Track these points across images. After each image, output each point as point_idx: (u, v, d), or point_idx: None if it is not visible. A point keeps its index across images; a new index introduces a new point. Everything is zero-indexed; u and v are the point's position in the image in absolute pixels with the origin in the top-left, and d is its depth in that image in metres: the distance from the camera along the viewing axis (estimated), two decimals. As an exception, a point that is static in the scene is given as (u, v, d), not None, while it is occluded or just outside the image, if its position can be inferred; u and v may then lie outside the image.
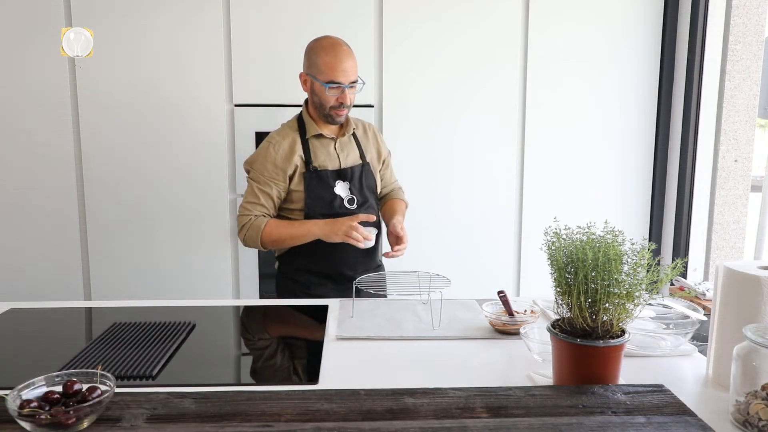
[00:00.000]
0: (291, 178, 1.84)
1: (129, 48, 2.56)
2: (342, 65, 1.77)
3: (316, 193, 1.84)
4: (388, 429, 0.86)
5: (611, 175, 2.80)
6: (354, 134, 1.96)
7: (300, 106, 2.61)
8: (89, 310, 1.65)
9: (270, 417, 0.90)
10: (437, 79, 2.66)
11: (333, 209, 1.85)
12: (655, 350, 1.25)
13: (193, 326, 1.44)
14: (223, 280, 2.71)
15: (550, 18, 2.66)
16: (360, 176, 1.91)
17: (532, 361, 1.21)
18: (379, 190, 2.02)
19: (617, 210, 2.82)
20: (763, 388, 0.89)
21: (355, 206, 1.88)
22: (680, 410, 0.93)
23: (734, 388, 0.93)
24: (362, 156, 1.95)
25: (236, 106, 2.62)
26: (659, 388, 1.01)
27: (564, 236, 1.04)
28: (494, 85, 2.69)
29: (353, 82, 1.81)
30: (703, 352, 1.25)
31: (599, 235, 1.02)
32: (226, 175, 2.66)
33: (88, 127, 2.60)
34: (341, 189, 1.87)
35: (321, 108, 1.83)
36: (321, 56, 1.78)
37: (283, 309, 1.66)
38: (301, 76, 1.86)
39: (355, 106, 2.61)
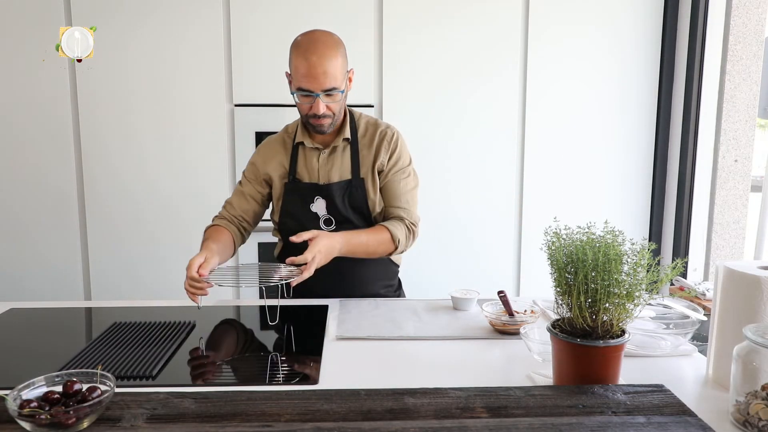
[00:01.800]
0: (272, 185, 1.71)
1: (129, 48, 2.56)
2: (313, 70, 1.49)
3: (292, 208, 1.68)
4: (388, 429, 0.86)
5: (611, 175, 2.80)
6: (355, 143, 1.68)
7: (300, 106, 2.64)
8: (89, 310, 1.65)
9: (270, 417, 0.90)
10: (437, 79, 2.66)
11: (307, 228, 1.59)
12: (655, 350, 1.25)
13: (193, 326, 1.44)
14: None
15: (550, 18, 2.66)
16: (342, 194, 1.66)
17: (532, 361, 1.20)
18: (375, 210, 1.70)
19: (617, 210, 2.82)
20: (763, 388, 0.89)
21: (333, 227, 1.66)
22: (680, 410, 0.93)
23: (734, 388, 0.93)
24: (355, 170, 1.67)
25: (236, 106, 2.62)
26: (659, 388, 1.01)
27: (564, 236, 1.04)
28: (494, 85, 2.69)
29: (329, 90, 1.52)
30: (703, 352, 1.25)
31: (599, 235, 1.02)
32: (227, 175, 2.66)
33: (88, 126, 2.60)
34: (318, 207, 1.66)
35: (301, 116, 1.63)
36: (293, 57, 1.53)
37: (283, 309, 1.66)
38: (286, 74, 1.63)
39: (355, 105, 2.63)
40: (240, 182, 1.77)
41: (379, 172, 1.69)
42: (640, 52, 2.72)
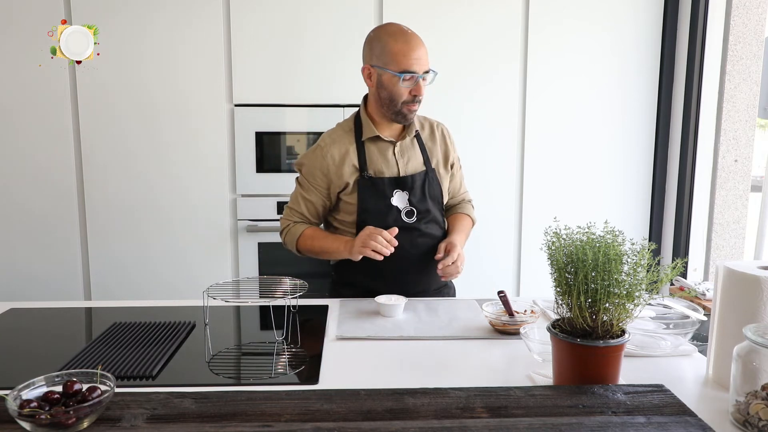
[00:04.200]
0: (344, 188, 1.68)
1: (129, 48, 2.56)
2: (415, 52, 1.56)
3: (370, 203, 1.67)
4: (388, 429, 0.86)
5: (611, 175, 2.80)
6: (418, 136, 1.74)
7: (300, 106, 2.64)
8: (89, 310, 1.65)
9: (270, 417, 0.90)
10: (437, 78, 2.66)
11: (388, 223, 1.65)
12: (655, 350, 1.25)
13: (193, 326, 1.44)
14: (223, 280, 2.71)
15: (550, 18, 2.66)
16: (423, 184, 1.70)
17: (532, 361, 1.20)
18: (445, 199, 1.79)
19: (617, 210, 2.82)
20: (763, 388, 0.89)
21: (414, 219, 1.68)
22: (680, 410, 0.93)
23: (734, 388, 0.93)
24: (426, 161, 1.72)
25: (236, 106, 2.63)
26: (659, 388, 1.01)
27: (564, 236, 1.04)
28: (494, 85, 2.69)
29: (427, 72, 1.60)
30: (703, 352, 1.25)
31: (599, 235, 1.02)
32: (227, 175, 2.66)
33: (88, 126, 2.60)
34: (399, 199, 1.68)
35: (391, 104, 1.62)
36: (390, 43, 1.56)
37: (283, 309, 1.65)
38: (364, 70, 1.64)
39: (353, 105, 2.63)
40: (300, 186, 1.75)
41: (451, 166, 1.81)
42: (640, 51, 2.72)
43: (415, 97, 1.61)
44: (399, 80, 1.57)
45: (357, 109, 1.76)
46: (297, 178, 1.78)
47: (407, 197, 1.68)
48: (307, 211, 1.74)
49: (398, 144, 1.70)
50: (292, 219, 1.76)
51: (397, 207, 1.68)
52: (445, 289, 1.82)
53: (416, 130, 1.73)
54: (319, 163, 1.69)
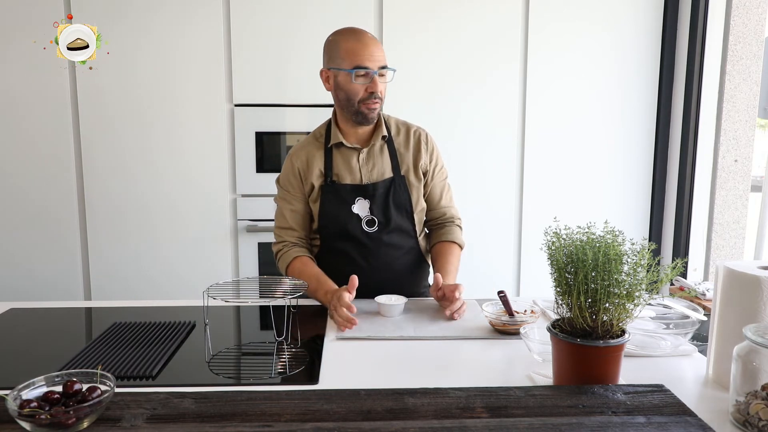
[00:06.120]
0: (311, 191, 1.68)
1: (129, 48, 2.56)
2: (368, 49, 1.55)
3: (331, 210, 1.66)
4: (388, 429, 0.86)
5: (611, 175, 2.80)
6: (391, 141, 1.70)
7: (299, 106, 2.64)
8: (89, 310, 1.65)
9: (270, 417, 0.90)
10: (437, 78, 2.66)
11: (350, 231, 1.65)
12: (655, 350, 1.25)
13: (193, 326, 1.44)
14: (223, 279, 2.71)
15: (550, 18, 2.66)
16: (386, 192, 1.66)
17: (532, 361, 1.20)
18: (416, 208, 1.72)
19: (617, 210, 2.82)
20: (763, 388, 0.89)
21: (375, 228, 1.66)
22: (680, 410, 0.93)
23: (734, 388, 0.93)
24: (395, 168, 1.68)
25: (236, 106, 2.63)
26: (659, 388, 1.01)
27: (564, 236, 1.04)
28: (494, 84, 2.69)
29: (383, 68, 1.57)
30: (703, 352, 1.25)
31: (599, 235, 1.02)
32: (227, 175, 2.66)
33: (88, 126, 2.60)
34: (360, 208, 1.65)
35: (349, 105, 1.60)
36: (342, 43, 1.57)
37: (283, 309, 1.65)
38: (322, 73, 1.64)
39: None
40: (282, 199, 1.73)
41: (424, 174, 1.73)
42: (640, 52, 2.72)
43: (371, 94, 1.57)
44: (352, 77, 1.56)
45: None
46: (275, 198, 1.76)
47: (369, 206, 1.66)
48: (294, 222, 1.71)
49: (363, 151, 1.67)
50: (283, 239, 1.72)
51: (357, 215, 1.66)
52: (425, 292, 1.79)
53: (385, 135, 1.69)
54: (291, 169, 1.70)
